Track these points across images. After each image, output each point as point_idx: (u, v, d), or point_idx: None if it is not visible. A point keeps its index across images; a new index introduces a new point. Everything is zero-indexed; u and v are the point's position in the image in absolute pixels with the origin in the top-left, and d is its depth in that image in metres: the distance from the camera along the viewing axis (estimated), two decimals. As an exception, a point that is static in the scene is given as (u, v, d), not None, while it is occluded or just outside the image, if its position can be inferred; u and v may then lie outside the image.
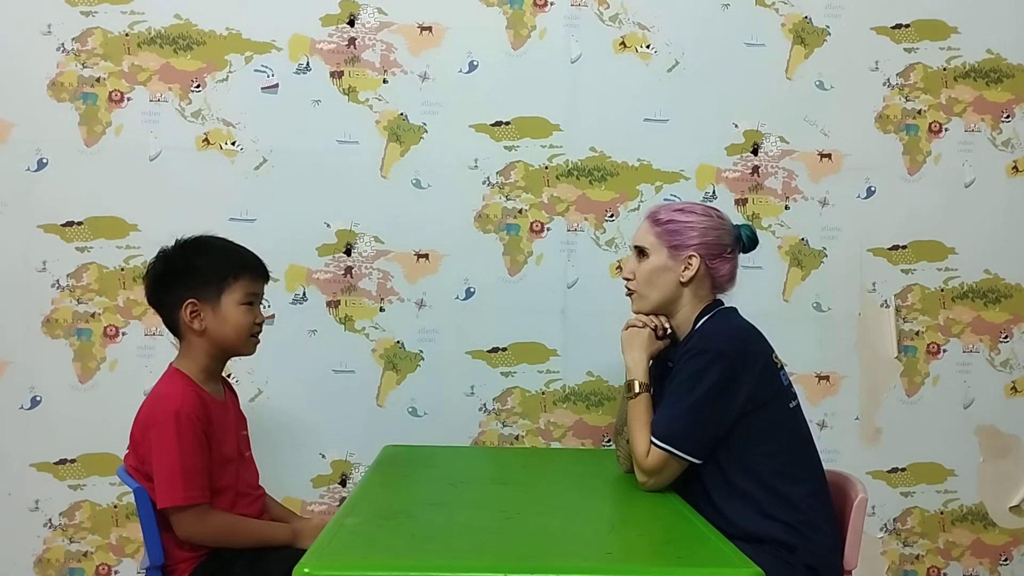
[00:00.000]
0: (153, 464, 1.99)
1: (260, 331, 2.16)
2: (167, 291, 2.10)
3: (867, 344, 2.86)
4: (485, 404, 2.81)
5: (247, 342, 2.14)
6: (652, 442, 2.02)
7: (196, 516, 1.98)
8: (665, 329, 2.19)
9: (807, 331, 2.83)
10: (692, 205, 2.22)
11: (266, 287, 2.21)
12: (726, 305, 2.19)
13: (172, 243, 2.15)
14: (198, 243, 2.14)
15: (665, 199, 2.80)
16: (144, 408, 2.06)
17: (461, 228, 2.79)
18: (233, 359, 2.23)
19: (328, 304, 2.78)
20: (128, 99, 2.74)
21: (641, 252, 2.19)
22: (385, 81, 2.78)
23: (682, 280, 2.15)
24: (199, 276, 2.09)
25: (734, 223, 2.22)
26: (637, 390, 2.11)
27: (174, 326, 2.12)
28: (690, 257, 2.14)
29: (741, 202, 2.84)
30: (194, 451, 1.98)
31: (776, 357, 2.11)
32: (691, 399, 2.00)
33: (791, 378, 2.16)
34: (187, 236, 2.16)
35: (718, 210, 2.23)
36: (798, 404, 2.12)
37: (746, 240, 2.22)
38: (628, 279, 2.22)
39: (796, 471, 2.05)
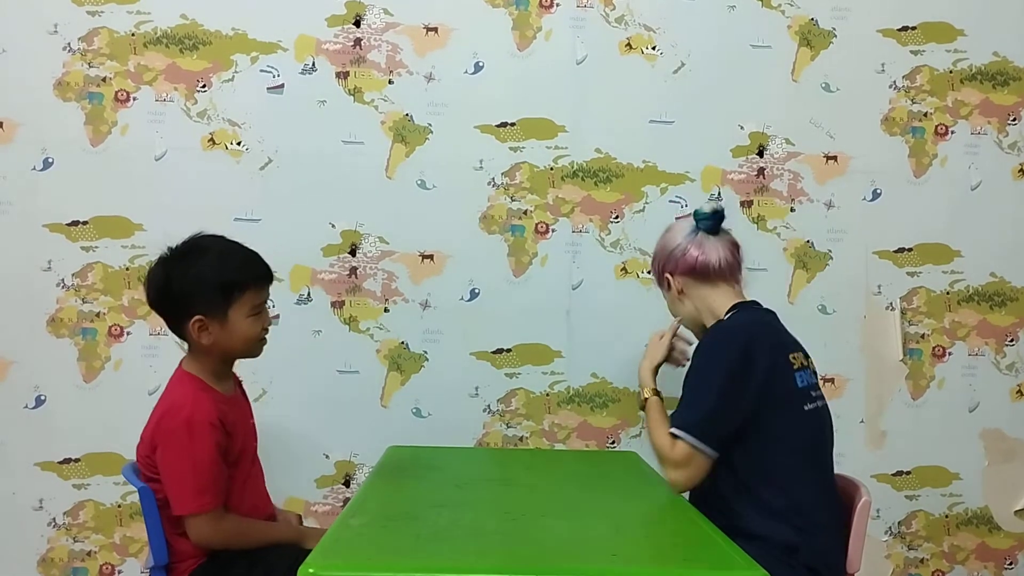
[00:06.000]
0: (166, 471, 1.99)
1: (267, 334, 2.14)
2: (172, 304, 2.04)
3: (872, 347, 2.85)
4: (489, 405, 2.81)
5: (255, 347, 2.12)
6: (672, 433, 2.04)
7: (209, 522, 1.98)
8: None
9: (812, 334, 2.77)
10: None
11: (270, 287, 2.17)
12: (748, 299, 2.22)
13: (169, 249, 2.06)
14: (200, 250, 2.05)
15: (670, 200, 2.80)
16: (156, 412, 2.04)
17: (466, 229, 2.79)
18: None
19: (333, 304, 2.78)
20: (134, 99, 2.74)
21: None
22: (391, 82, 2.78)
23: (678, 299, 2.24)
24: (205, 290, 2.01)
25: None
26: (645, 396, 2.18)
27: (181, 335, 2.09)
28: (668, 278, 2.24)
29: (746, 204, 2.83)
30: (207, 456, 1.98)
31: (794, 357, 2.10)
32: (703, 389, 2.05)
33: (824, 397, 2.17)
34: (185, 241, 2.07)
35: (675, 221, 2.29)
36: (818, 408, 2.10)
37: (699, 221, 2.21)
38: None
39: (805, 474, 2.06)
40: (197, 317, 2.02)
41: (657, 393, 2.21)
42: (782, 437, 2.03)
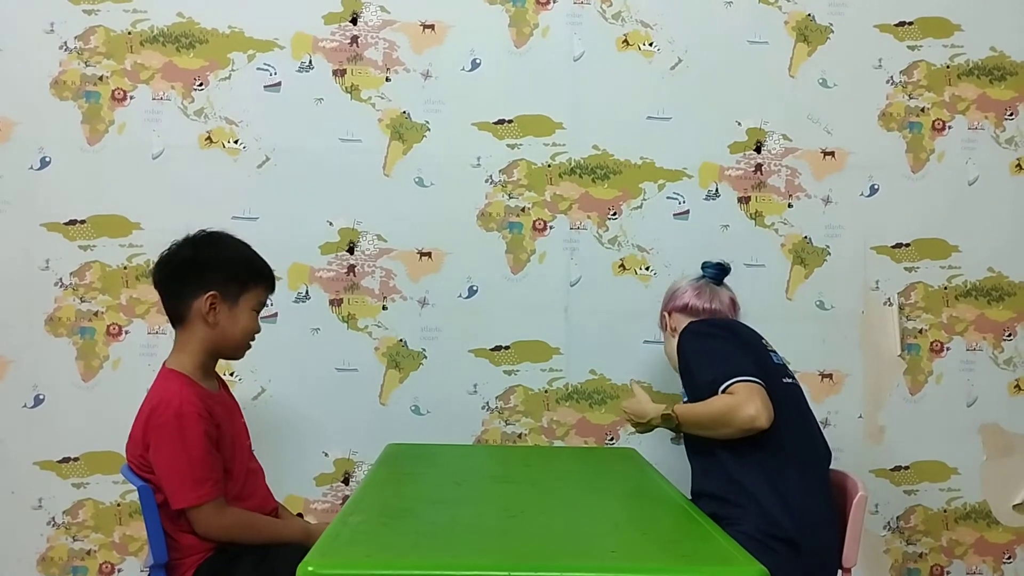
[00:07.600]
0: (161, 466, 1.99)
1: (254, 340, 2.18)
2: (189, 277, 2.08)
3: (870, 342, 2.85)
4: (488, 402, 2.81)
5: (245, 345, 2.16)
6: (718, 392, 2.06)
7: (212, 512, 1.99)
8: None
9: (810, 329, 2.83)
10: None
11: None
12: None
13: (196, 231, 2.14)
14: (227, 239, 2.15)
15: (668, 197, 2.81)
16: (143, 411, 2.05)
17: (464, 226, 2.79)
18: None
19: (331, 302, 2.78)
20: (131, 97, 2.74)
21: None
22: (388, 79, 2.78)
23: (671, 336, 2.37)
24: (227, 271, 2.09)
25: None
26: (666, 412, 2.19)
27: (181, 314, 2.10)
28: (665, 316, 2.43)
29: (744, 200, 2.83)
30: (200, 446, 1.98)
31: (766, 343, 2.25)
32: (709, 353, 2.15)
33: (796, 378, 2.27)
34: (211, 229, 2.16)
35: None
36: (794, 383, 2.21)
37: (705, 270, 2.42)
38: None
39: (799, 468, 2.08)
40: (212, 293, 2.06)
41: (671, 405, 2.22)
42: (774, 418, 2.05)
